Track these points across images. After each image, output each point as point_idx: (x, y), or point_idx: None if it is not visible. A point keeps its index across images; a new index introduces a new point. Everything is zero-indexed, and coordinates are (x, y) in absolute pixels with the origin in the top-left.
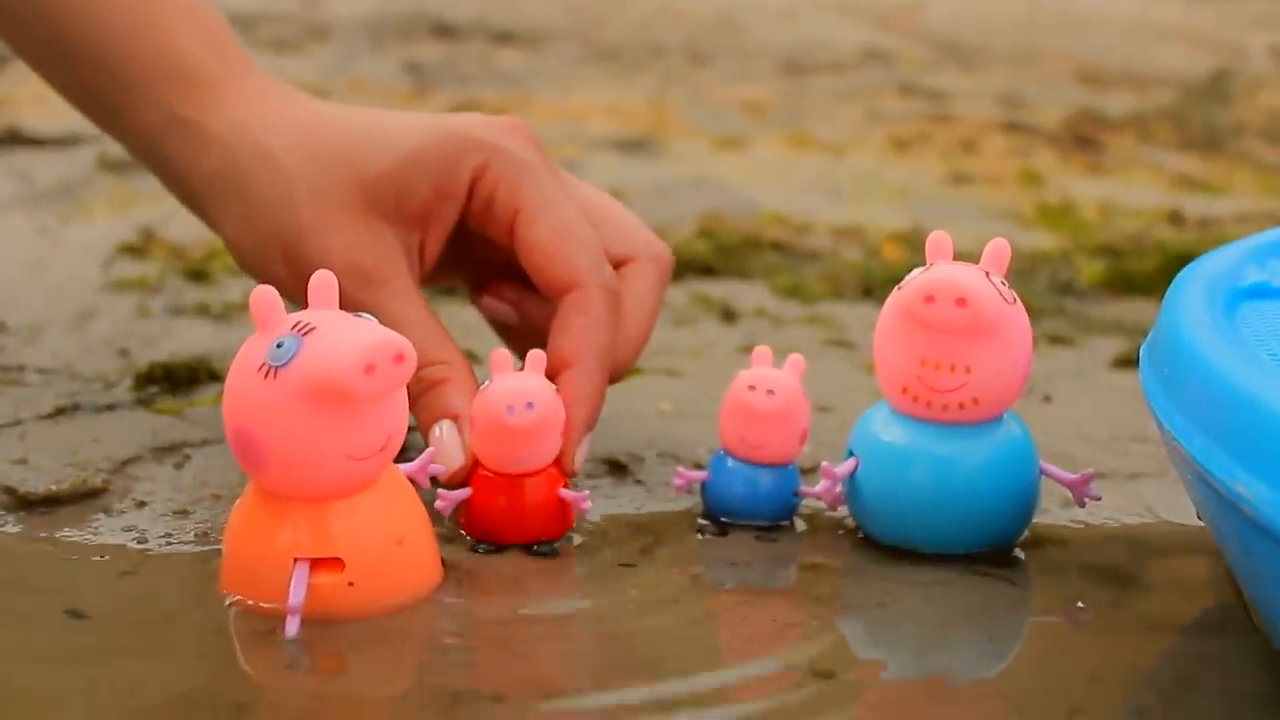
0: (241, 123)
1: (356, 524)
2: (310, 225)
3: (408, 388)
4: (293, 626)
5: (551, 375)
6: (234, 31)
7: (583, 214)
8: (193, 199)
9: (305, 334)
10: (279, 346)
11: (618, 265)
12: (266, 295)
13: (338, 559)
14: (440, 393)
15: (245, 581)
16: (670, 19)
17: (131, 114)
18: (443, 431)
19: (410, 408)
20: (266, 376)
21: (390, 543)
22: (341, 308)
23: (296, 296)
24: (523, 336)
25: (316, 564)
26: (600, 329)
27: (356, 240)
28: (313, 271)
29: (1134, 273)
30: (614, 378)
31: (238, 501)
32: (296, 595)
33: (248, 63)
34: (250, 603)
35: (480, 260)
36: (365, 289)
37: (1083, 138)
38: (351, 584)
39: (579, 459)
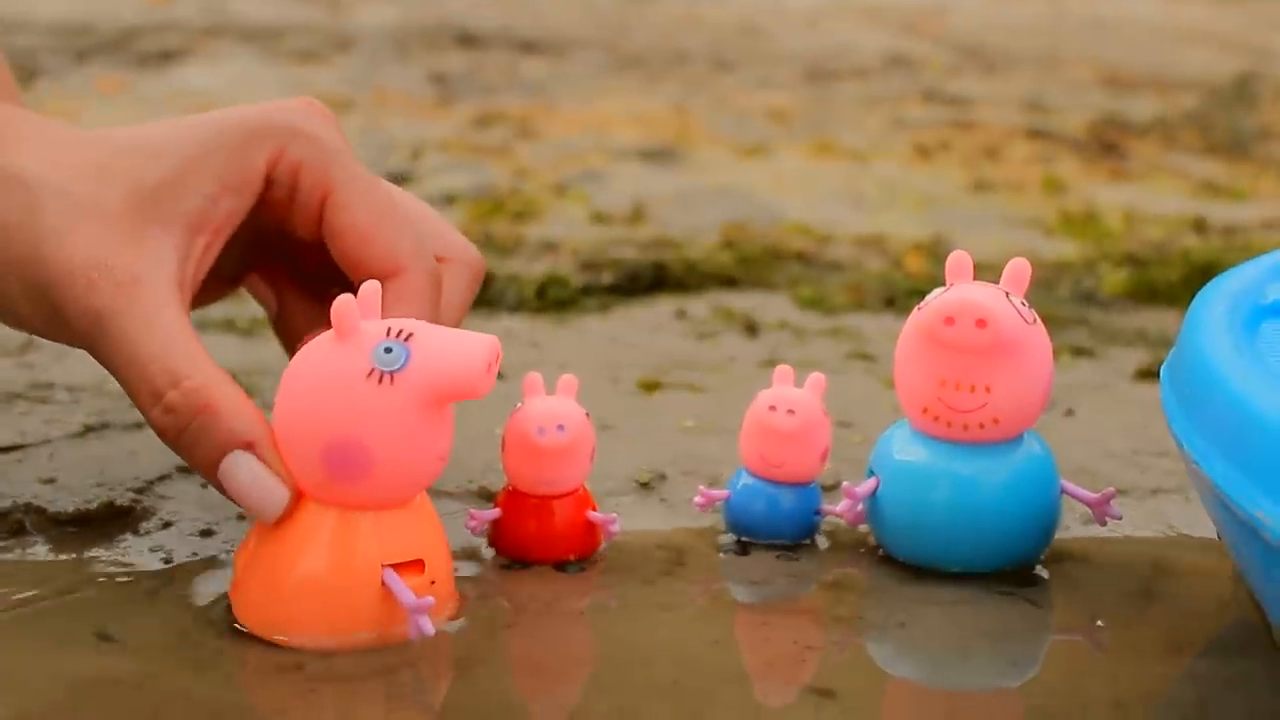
0: None
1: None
2: (55, 230)
3: (158, 420)
4: (426, 624)
5: None
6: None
7: (395, 200)
8: None
9: (407, 340)
10: (388, 352)
11: None
12: (346, 303)
13: (419, 560)
14: (218, 420)
15: (257, 614)
16: (693, 26)
17: None
18: (252, 470)
19: (174, 443)
20: (380, 382)
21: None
22: (73, 314)
23: (37, 325)
24: (280, 330)
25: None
26: (429, 317)
27: (109, 241)
28: (47, 275)
29: (1158, 282)
30: None
31: (247, 535)
32: (407, 596)
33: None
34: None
35: (277, 260)
36: (111, 289)
37: (1106, 143)
38: (434, 582)
39: None
